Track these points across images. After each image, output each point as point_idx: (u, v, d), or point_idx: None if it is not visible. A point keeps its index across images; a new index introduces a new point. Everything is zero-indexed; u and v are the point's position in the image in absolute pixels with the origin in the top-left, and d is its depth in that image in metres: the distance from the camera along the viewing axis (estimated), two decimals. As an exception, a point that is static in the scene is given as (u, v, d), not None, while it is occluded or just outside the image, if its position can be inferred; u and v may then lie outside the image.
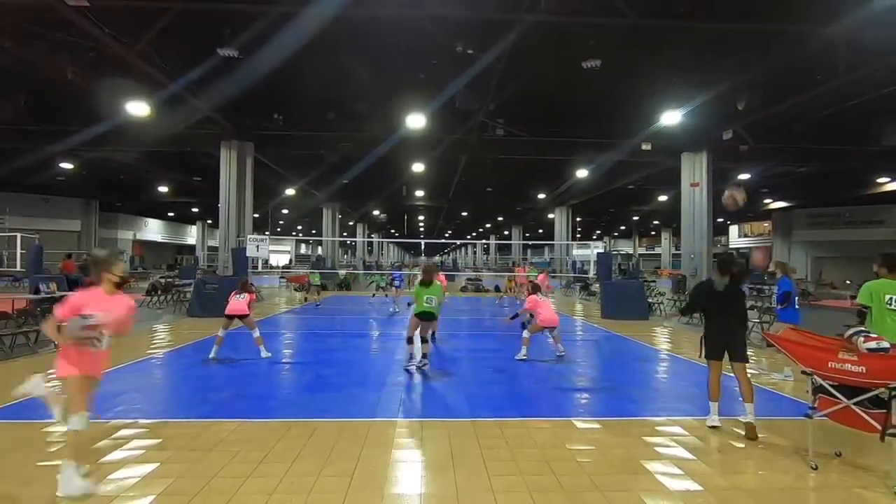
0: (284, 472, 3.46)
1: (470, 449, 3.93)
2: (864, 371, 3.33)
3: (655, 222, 42.86)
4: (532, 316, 7.84)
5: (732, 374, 4.44)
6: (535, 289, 8.00)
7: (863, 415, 3.38)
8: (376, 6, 8.40)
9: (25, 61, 9.90)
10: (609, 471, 3.57)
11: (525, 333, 7.69)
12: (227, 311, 7.26)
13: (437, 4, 8.32)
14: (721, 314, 4.46)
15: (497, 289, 21.85)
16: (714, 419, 4.44)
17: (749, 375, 4.44)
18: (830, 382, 3.57)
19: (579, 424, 4.59)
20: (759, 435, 4.27)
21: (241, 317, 7.31)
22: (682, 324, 11.57)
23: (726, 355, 4.41)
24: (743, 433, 4.24)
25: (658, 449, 4.00)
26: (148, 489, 3.21)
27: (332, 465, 3.59)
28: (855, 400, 3.42)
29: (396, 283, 14.83)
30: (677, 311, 4.96)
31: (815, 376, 3.62)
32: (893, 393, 3.25)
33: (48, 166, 19.13)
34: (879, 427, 3.29)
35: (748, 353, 4.51)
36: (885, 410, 3.29)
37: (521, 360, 7.49)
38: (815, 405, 3.67)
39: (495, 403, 5.23)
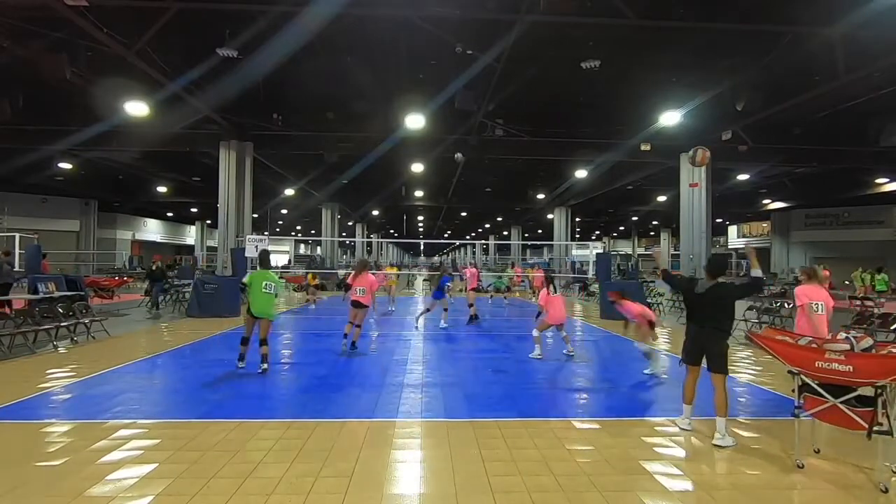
0: (283, 473, 3.45)
1: (469, 449, 3.93)
2: (852, 370, 3.35)
3: (654, 223, 42.88)
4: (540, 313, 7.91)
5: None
6: (549, 282, 7.85)
7: (850, 413, 3.41)
8: (376, 6, 8.40)
9: (24, 60, 9.88)
10: (608, 471, 3.57)
11: (535, 332, 7.71)
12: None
13: (437, 4, 8.32)
14: (698, 318, 4.34)
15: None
16: (685, 421, 4.43)
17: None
18: (816, 381, 3.59)
19: (578, 425, 4.59)
20: (752, 434, 4.31)
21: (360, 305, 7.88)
22: (680, 324, 11.59)
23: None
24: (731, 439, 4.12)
25: (657, 449, 4.00)
26: (147, 489, 3.21)
27: (331, 466, 3.58)
28: (842, 398, 3.44)
29: (449, 285, 14.55)
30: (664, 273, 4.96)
31: (802, 375, 3.64)
32: (880, 391, 3.28)
33: (46, 166, 19.10)
34: (866, 425, 3.32)
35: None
36: (871, 408, 3.32)
37: (536, 358, 7.51)
38: (802, 404, 3.69)
39: (494, 403, 5.23)
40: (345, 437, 4.14)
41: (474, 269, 14.19)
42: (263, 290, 6.46)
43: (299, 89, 12.83)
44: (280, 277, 23.40)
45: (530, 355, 7.65)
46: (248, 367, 6.69)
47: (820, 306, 5.43)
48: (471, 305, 12.50)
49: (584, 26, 9.10)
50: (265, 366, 6.41)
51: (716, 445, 4.02)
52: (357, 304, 7.85)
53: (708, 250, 15.75)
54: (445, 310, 11.47)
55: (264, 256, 6.93)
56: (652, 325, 6.89)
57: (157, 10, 8.45)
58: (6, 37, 9.19)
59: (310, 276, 18.06)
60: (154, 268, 13.86)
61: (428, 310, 11.13)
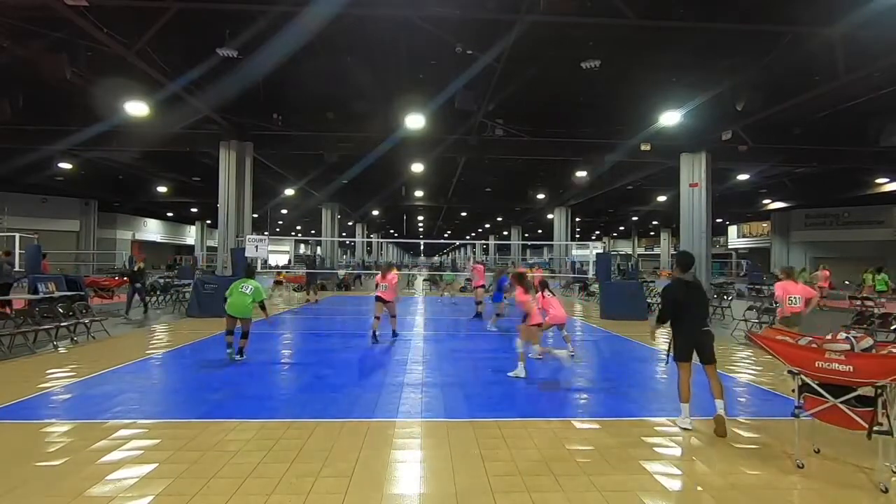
0: (283, 473, 3.45)
1: (469, 449, 3.93)
2: (852, 370, 3.35)
3: (654, 223, 42.91)
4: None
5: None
6: (544, 287, 7.96)
7: (850, 413, 3.41)
8: (376, 6, 8.40)
9: (24, 60, 9.88)
10: (608, 471, 3.57)
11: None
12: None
13: (437, 4, 8.32)
14: (687, 316, 4.46)
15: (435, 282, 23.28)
16: (686, 420, 4.45)
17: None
18: (816, 381, 3.59)
19: (578, 425, 4.59)
20: (752, 434, 4.31)
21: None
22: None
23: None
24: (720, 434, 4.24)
25: (657, 449, 4.00)
26: (147, 489, 3.21)
27: (331, 466, 3.59)
28: (842, 399, 3.45)
29: (506, 285, 14.13)
30: (654, 323, 4.75)
31: (802, 376, 3.64)
32: (880, 391, 3.27)
33: (46, 166, 19.11)
34: (866, 425, 3.32)
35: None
36: (871, 408, 3.32)
37: (536, 359, 7.49)
38: (802, 404, 3.70)
39: (495, 403, 5.23)
40: (345, 437, 4.14)
41: (481, 266, 14.25)
42: (240, 290, 7.06)
43: (299, 89, 12.83)
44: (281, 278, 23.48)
45: (530, 356, 7.63)
46: (248, 365, 6.72)
47: (796, 299, 6.82)
48: (478, 303, 12.71)
49: (584, 26, 9.09)
50: (242, 356, 7.13)
51: (721, 415, 4.23)
52: (380, 300, 8.88)
53: (708, 250, 15.77)
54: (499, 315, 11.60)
55: (250, 269, 7.80)
56: (539, 324, 6.67)
57: (157, 10, 8.44)
58: (6, 37, 9.19)
59: (281, 274, 18.26)
60: (136, 268, 13.03)
61: (499, 314, 11.38)
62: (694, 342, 4.43)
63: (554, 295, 7.97)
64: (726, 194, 23.93)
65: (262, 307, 7.20)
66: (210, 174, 17.35)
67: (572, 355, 7.72)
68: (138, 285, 12.73)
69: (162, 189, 25.64)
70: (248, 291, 7.03)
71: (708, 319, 4.55)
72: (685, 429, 4.39)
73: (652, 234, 51.04)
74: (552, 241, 31.21)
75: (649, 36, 9.54)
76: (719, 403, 4.29)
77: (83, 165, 20.08)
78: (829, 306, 15.77)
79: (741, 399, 5.56)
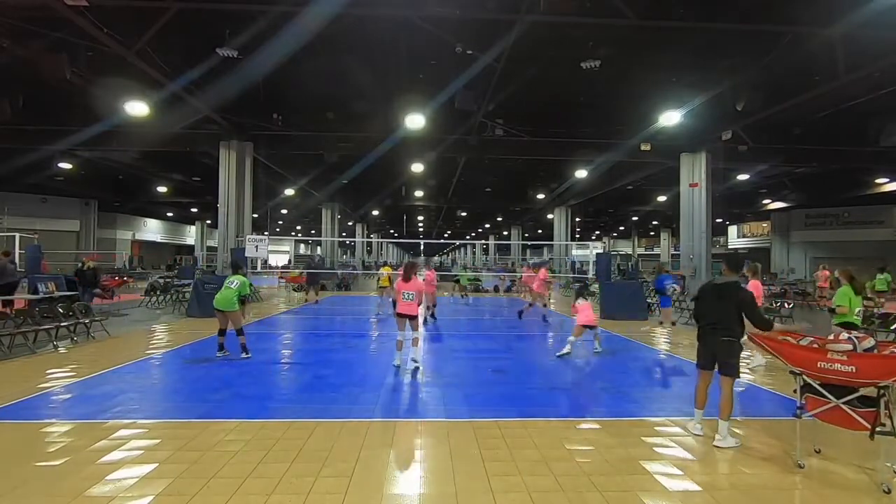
0: (283, 473, 3.45)
1: (469, 449, 3.93)
2: (854, 370, 3.34)
3: (654, 223, 42.86)
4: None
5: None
6: (578, 295, 8.40)
7: (852, 414, 3.40)
8: (376, 6, 8.40)
9: (24, 60, 9.87)
10: (608, 471, 3.57)
11: (570, 337, 7.94)
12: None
13: (437, 4, 8.31)
14: (707, 320, 4.25)
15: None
16: (696, 426, 4.36)
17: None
18: (818, 382, 3.58)
19: (578, 425, 4.59)
20: (752, 434, 4.31)
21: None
22: (683, 324, 11.59)
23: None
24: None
25: (657, 449, 4.00)
26: (147, 489, 3.21)
27: (331, 466, 3.58)
28: (844, 399, 3.44)
29: (672, 285, 11.71)
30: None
31: (804, 376, 3.63)
32: (883, 391, 3.27)
33: (46, 166, 19.10)
34: (869, 425, 3.31)
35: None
36: (874, 409, 3.32)
37: (564, 354, 7.73)
38: (804, 405, 3.68)
39: (495, 404, 5.23)
40: (345, 437, 4.14)
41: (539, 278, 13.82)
42: (227, 284, 7.23)
43: (299, 89, 12.82)
44: (280, 277, 23.53)
45: (558, 355, 7.77)
46: (248, 365, 6.72)
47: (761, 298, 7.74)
48: (529, 305, 13.19)
49: (584, 26, 9.09)
50: (247, 354, 7.23)
51: (716, 447, 4.02)
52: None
53: (708, 250, 15.76)
54: (674, 323, 11.46)
55: (235, 265, 7.94)
56: (403, 314, 6.75)
57: (157, 10, 8.44)
58: (6, 37, 9.19)
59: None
60: (85, 268, 11.36)
61: (673, 323, 11.43)
62: (713, 349, 4.17)
63: (587, 300, 8.29)
64: (726, 194, 23.87)
65: (242, 302, 7.28)
66: (210, 174, 17.33)
67: (598, 352, 8.11)
68: (96, 290, 11.59)
69: (162, 189, 25.60)
70: (233, 286, 7.16)
71: (731, 329, 4.07)
72: (696, 434, 4.30)
73: (652, 234, 50.99)
74: (552, 241, 31.20)
75: (649, 36, 9.54)
76: (722, 427, 4.02)
77: (83, 165, 20.06)
78: (829, 306, 15.76)
79: (741, 399, 5.55)
